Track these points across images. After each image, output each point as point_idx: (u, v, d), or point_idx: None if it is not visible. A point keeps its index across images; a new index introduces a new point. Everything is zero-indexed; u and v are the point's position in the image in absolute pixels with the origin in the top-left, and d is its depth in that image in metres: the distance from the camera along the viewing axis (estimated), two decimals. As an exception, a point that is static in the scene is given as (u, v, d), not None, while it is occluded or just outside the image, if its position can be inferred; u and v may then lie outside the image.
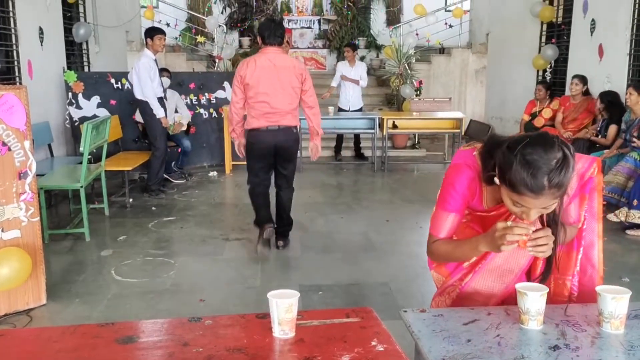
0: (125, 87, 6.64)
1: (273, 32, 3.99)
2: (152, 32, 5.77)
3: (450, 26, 10.38)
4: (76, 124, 6.51)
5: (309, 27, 12.29)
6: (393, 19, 12.00)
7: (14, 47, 5.53)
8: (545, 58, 7.81)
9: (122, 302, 3.39)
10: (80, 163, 4.62)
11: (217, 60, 9.48)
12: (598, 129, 6.03)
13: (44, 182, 4.43)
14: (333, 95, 8.02)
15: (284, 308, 1.39)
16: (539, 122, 6.89)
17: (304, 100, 4.10)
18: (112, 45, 8.24)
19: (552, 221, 1.60)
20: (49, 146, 6.02)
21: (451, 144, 8.14)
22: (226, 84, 7.19)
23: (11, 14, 5.48)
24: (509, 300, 1.74)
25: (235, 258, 4.16)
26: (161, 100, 5.78)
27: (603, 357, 1.35)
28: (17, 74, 5.57)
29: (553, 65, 7.99)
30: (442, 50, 10.53)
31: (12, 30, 5.50)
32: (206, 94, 7.24)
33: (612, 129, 5.74)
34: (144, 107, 5.71)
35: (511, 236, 1.49)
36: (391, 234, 4.72)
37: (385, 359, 1.30)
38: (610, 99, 5.80)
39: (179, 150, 6.62)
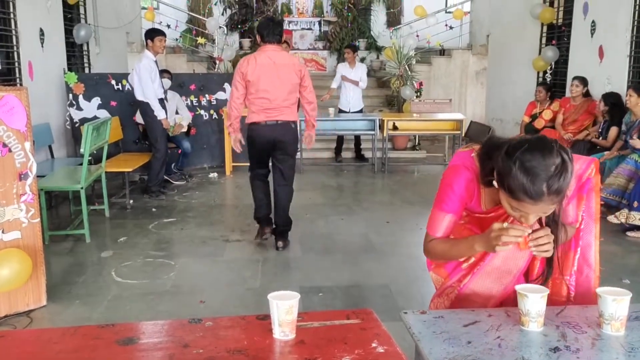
0: (126, 89, 6.65)
1: (272, 31, 4.10)
2: (153, 34, 5.77)
3: (451, 28, 10.39)
4: (77, 125, 6.52)
5: (310, 29, 12.30)
6: (393, 20, 12.00)
7: (15, 48, 5.54)
8: (545, 59, 7.82)
9: (123, 303, 3.39)
10: (81, 164, 4.63)
11: (217, 62, 9.49)
12: (600, 130, 6.02)
13: (45, 183, 4.44)
14: (333, 96, 8.02)
15: (284, 309, 1.39)
16: (539, 123, 6.89)
17: (304, 95, 4.22)
18: (113, 46, 8.25)
19: (551, 221, 1.61)
20: (50, 147, 6.02)
21: (451, 146, 8.14)
22: (226, 86, 7.18)
23: (12, 15, 5.49)
24: (508, 301, 1.74)
25: (235, 259, 4.16)
26: (162, 102, 5.78)
27: (603, 359, 1.35)
28: (17, 75, 5.58)
29: (553, 66, 7.99)
30: (442, 52, 10.53)
31: (13, 32, 5.51)
32: (206, 95, 7.25)
33: (613, 130, 5.74)
34: (145, 108, 5.72)
35: (507, 237, 1.50)
36: (391, 236, 4.72)
37: (385, 360, 1.30)
38: (613, 101, 5.79)
39: (179, 151, 6.63)
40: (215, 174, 7.04)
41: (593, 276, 1.81)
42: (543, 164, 1.41)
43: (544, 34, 8.11)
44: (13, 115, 3.04)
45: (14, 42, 5.52)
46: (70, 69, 6.72)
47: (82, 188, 4.42)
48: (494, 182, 1.54)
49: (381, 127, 7.41)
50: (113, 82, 6.70)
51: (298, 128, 4.36)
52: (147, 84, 5.60)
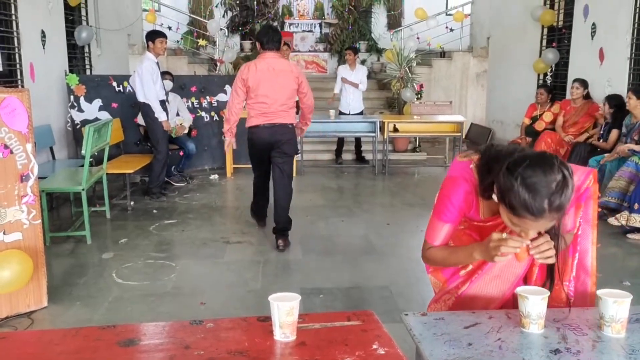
0: (127, 90, 6.65)
1: (271, 38, 4.32)
2: (154, 35, 5.78)
3: (451, 30, 10.39)
4: (78, 126, 6.53)
5: (310, 31, 12.32)
6: (394, 22, 12.02)
7: (17, 50, 5.55)
8: (546, 62, 7.82)
9: (123, 304, 3.39)
10: (82, 166, 4.63)
11: (218, 64, 9.49)
12: (601, 132, 6.02)
13: (46, 184, 4.44)
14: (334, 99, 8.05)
15: (285, 311, 1.39)
16: (539, 125, 6.89)
17: (303, 101, 4.47)
18: (114, 48, 8.27)
19: (551, 233, 1.60)
20: (51, 149, 6.03)
21: (452, 148, 8.14)
22: (227, 87, 7.18)
23: (14, 17, 5.50)
24: (506, 308, 1.74)
25: (236, 261, 4.16)
26: (163, 104, 5.79)
27: (604, 360, 1.35)
28: (19, 77, 5.59)
29: (554, 69, 7.99)
30: (443, 54, 10.54)
31: (15, 34, 5.52)
32: (207, 97, 7.25)
33: (614, 133, 5.74)
34: (146, 110, 5.72)
35: (505, 248, 1.50)
36: (392, 237, 4.72)
37: (386, 362, 1.30)
38: (617, 103, 5.79)
39: (181, 153, 6.63)
40: (216, 176, 7.04)
41: (590, 282, 1.81)
42: (544, 181, 1.41)
43: (545, 37, 8.12)
44: (15, 116, 3.05)
45: (16, 44, 5.54)
46: (71, 71, 6.73)
47: (83, 189, 4.43)
48: (494, 196, 1.54)
49: (382, 129, 7.41)
50: (114, 83, 6.71)
51: (295, 130, 4.53)
52: (148, 86, 5.61)
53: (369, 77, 8.20)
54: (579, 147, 6.08)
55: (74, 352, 1.36)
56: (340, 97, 7.94)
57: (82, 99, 6.58)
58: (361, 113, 7.92)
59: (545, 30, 8.10)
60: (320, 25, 12.29)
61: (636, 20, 5.94)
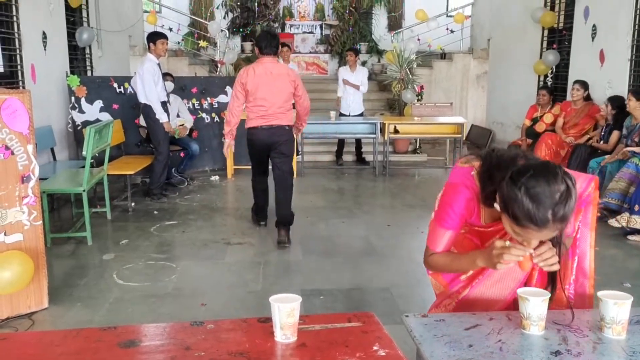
0: (128, 92, 6.66)
1: (269, 44, 4.47)
2: (155, 37, 5.78)
3: (452, 31, 10.39)
4: (79, 128, 6.53)
5: (311, 32, 12.33)
6: (394, 24, 12.03)
7: (18, 51, 5.55)
8: (546, 63, 7.82)
9: (124, 306, 3.39)
10: (83, 167, 4.63)
11: (219, 65, 9.50)
12: (602, 134, 6.02)
13: (47, 185, 4.45)
14: (334, 100, 8.04)
15: (285, 312, 1.39)
16: (540, 127, 6.89)
17: (298, 102, 4.62)
18: (115, 49, 8.27)
19: (554, 241, 1.60)
20: (52, 150, 6.03)
21: (452, 149, 8.14)
22: (228, 89, 7.18)
23: (15, 19, 5.51)
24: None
25: (236, 262, 4.16)
26: (164, 105, 5.79)
27: (604, 362, 1.35)
28: (20, 78, 5.59)
29: (554, 70, 8.00)
30: (443, 56, 10.54)
31: (16, 35, 5.53)
32: (208, 98, 7.25)
33: (615, 134, 5.74)
34: (148, 111, 5.73)
35: (508, 256, 1.50)
36: (392, 239, 4.72)
37: (386, 363, 1.30)
38: (619, 104, 5.79)
39: (182, 154, 6.63)
40: (217, 177, 7.04)
41: (588, 285, 1.82)
42: (548, 191, 1.41)
43: (545, 38, 8.12)
44: (16, 118, 3.05)
45: (17, 45, 5.54)
46: (72, 72, 6.74)
47: (84, 191, 4.43)
48: (496, 205, 1.54)
49: (382, 131, 7.41)
50: (115, 85, 6.72)
51: (293, 130, 4.69)
52: (150, 87, 5.62)
53: (369, 78, 8.20)
54: (580, 149, 6.08)
55: (74, 353, 1.36)
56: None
57: (83, 100, 6.58)
58: (362, 114, 7.93)
59: (546, 32, 8.10)
60: (321, 26, 12.30)
61: (636, 22, 5.94)
